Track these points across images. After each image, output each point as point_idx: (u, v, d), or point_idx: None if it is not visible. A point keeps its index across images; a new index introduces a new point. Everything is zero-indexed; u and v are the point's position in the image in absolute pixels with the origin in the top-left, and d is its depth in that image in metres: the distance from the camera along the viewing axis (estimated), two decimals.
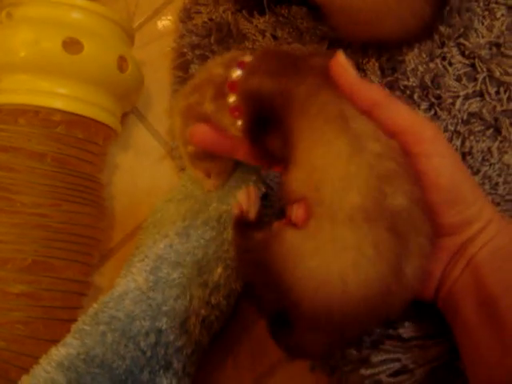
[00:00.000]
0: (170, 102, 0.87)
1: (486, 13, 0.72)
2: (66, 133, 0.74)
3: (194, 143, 0.58)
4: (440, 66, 0.70)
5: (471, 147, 0.67)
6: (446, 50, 0.71)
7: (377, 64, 0.73)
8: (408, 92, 0.70)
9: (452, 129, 0.68)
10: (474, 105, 0.68)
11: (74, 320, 0.62)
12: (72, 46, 0.72)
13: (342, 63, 0.47)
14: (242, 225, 0.56)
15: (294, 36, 0.79)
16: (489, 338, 0.42)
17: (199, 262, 0.64)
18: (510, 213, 0.63)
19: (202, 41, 0.83)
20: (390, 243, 0.43)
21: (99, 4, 0.77)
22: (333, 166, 0.45)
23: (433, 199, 0.46)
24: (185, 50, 0.84)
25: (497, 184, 0.65)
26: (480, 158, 0.66)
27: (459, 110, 0.69)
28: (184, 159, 0.65)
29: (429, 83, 0.70)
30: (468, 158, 0.67)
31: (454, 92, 0.69)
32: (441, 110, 0.69)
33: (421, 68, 0.70)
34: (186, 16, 0.88)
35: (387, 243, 0.43)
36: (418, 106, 0.70)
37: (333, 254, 0.44)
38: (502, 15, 0.71)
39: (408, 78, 0.71)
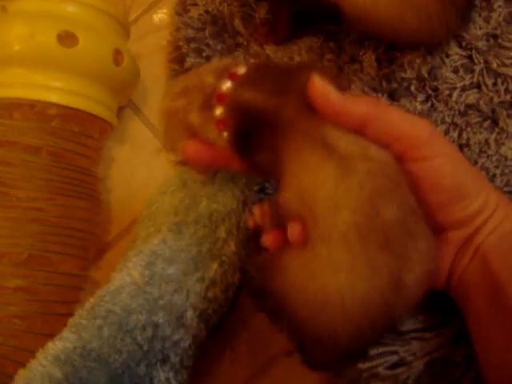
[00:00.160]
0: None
1: (484, 4, 0.72)
2: (62, 126, 0.73)
3: (186, 159, 0.57)
4: (437, 57, 0.70)
5: (468, 139, 0.67)
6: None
7: (373, 56, 0.72)
8: (405, 84, 0.70)
9: (449, 120, 0.68)
10: (471, 96, 0.68)
11: (71, 314, 0.62)
12: (67, 39, 0.72)
13: (320, 91, 0.45)
14: (257, 240, 0.55)
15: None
16: (498, 324, 0.42)
17: (194, 258, 0.64)
18: None
19: (198, 34, 0.83)
20: (384, 259, 0.43)
21: None
22: (322, 189, 0.44)
23: (437, 199, 0.46)
24: (180, 44, 0.84)
25: (494, 176, 0.64)
26: (477, 150, 0.66)
27: (456, 102, 0.68)
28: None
29: (426, 75, 0.70)
30: (465, 149, 0.66)
31: (451, 84, 0.69)
32: (438, 101, 0.69)
33: (418, 60, 0.70)
34: (182, 9, 0.87)
35: (382, 260, 0.43)
36: (415, 97, 0.70)
37: (330, 277, 0.44)
38: (499, 6, 0.71)
39: (405, 70, 0.70)
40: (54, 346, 0.58)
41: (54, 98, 0.72)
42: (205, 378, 0.70)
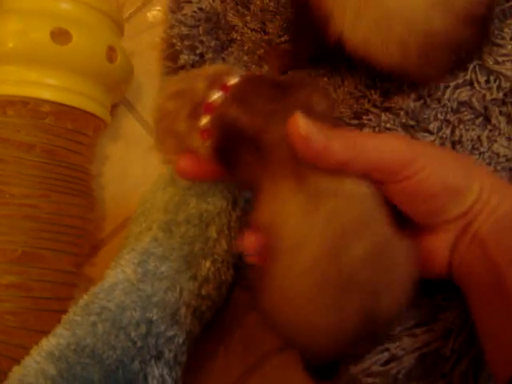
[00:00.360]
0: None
1: None
2: (55, 123, 0.73)
3: (178, 174, 0.57)
4: None
5: (461, 136, 0.67)
6: None
7: None
8: (398, 81, 0.70)
9: (442, 117, 0.68)
10: (464, 94, 0.68)
11: (65, 311, 0.62)
12: (60, 36, 0.72)
13: (302, 134, 0.43)
14: None
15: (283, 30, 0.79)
16: (499, 307, 0.42)
17: (186, 256, 0.64)
18: None
19: (191, 31, 0.83)
20: (349, 297, 0.44)
21: None
22: (288, 223, 0.45)
23: (432, 207, 0.46)
24: (174, 41, 0.84)
25: None
26: (470, 147, 0.66)
27: (449, 99, 0.69)
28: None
29: None
30: (458, 146, 0.67)
31: (444, 82, 0.69)
32: (431, 100, 0.69)
33: None
34: (176, 6, 0.87)
35: (346, 298, 0.44)
36: (408, 95, 0.70)
37: (298, 306, 0.45)
38: None
39: None
40: (48, 343, 0.58)
41: (47, 95, 0.72)
42: (199, 374, 0.71)
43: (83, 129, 0.77)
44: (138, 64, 0.87)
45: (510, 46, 0.69)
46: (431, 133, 0.67)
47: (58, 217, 0.72)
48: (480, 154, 0.66)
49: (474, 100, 0.68)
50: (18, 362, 0.57)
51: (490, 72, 0.69)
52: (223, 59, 0.81)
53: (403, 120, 0.68)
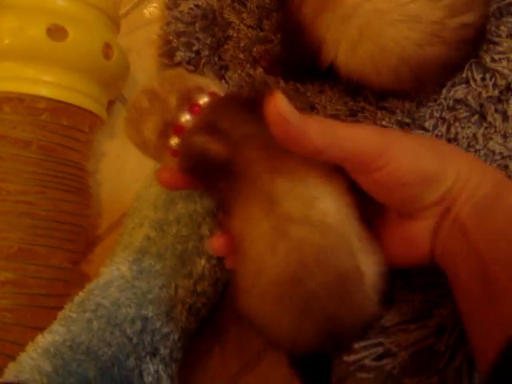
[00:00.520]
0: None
1: None
2: (51, 120, 0.73)
3: (161, 185, 0.56)
4: None
5: (456, 133, 0.67)
6: None
7: None
8: None
9: (437, 115, 0.68)
10: (460, 91, 0.68)
11: (61, 307, 0.63)
12: (57, 33, 0.72)
13: (280, 111, 0.40)
14: None
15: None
16: (482, 293, 0.42)
17: (181, 255, 0.65)
18: None
19: (188, 28, 0.83)
20: (307, 323, 0.44)
21: None
22: (252, 248, 0.45)
23: (406, 194, 0.45)
24: (170, 38, 0.84)
25: None
26: (465, 145, 0.66)
27: (445, 98, 0.69)
28: None
29: None
30: (453, 144, 0.67)
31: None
32: (427, 98, 0.69)
33: None
34: (172, 3, 0.87)
35: (305, 323, 0.44)
36: (404, 94, 0.70)
37: (265, 316, 0.46)
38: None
39: None
40: (44, 339, 0.58)
41: (43, 91, 0.72)
42: (195, 371, 0.71)
43: (79, 125, 0.77)
44: (135, 61, 0.87)
45: (506, 44, 0.69)
46: (427, 130, 0.67)
47: (54, 213, 0.73)
48: (476, 151, 0.66)
49: (469, 98, 0.68)
50: (13, 358, 0.58)
51: (485, 70, 0.68)
52: (219, 56, 0.81)
53: (399, 117, 0.68)
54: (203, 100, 0.49)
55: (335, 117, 0.71)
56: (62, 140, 0.75)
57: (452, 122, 0.67)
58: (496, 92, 0.68)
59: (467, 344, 0.50)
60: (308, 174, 0.45)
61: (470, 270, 0.43)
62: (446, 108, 0.68)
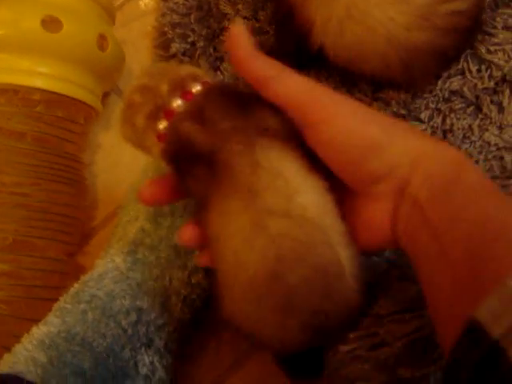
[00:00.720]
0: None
1: None
2: (46, 112, 0.73)
3: (143, 203, 0.54)
4: None
5: (452, 125, 0.67)
6: None
7: None
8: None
9: (433, 106, 0.68)
10: (456, 83, 0.68)
11: (56, 299, 0.62)
12: (51, 24, 0.72)
13: (237, 34, 0.46)
14: None
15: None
16: (443, 277, 0.41)
17: (175, 246, 0.65)
18: None
19: (183, 19, 0.83)
20: (290, 320, 0.44)
21: None
22: (230, 243, 0.44)
23: (349, 157, 0.45)
24: (166, 29, 0.84)
25: (477, 161, 0.65)
26: (461, 136, 0.67)
27: (440, 89, 0.69)
28: None
29: None
30: (449, 135, 0.67)
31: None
32: (422, 89, 0.69)
33: None
34: None
35: (287, 321, 0.44)
36: (399, 85, 0.70)
37: (246, 314, 0.46)
38: None
39: None
40: (39, 331, 0.58)
41: (38, 83, 0.72)
42: (190, 362, 0.71)
43: (74, 117, 0.77)
44: (130, 52, 0.87)
45: (501, 36, 0.69)
46: (422, 122, 0.68)
47: (49, 205, 0.72)
48: (471, 142, 0.66)
49: (465, 89, 0.68)
50: (8, 349, 0.58)
51: (481, 61, 0.69)
52: (214, 48, 0.81)
53: (394, 109, 0.68)
54: (196, 88, 0.49)
55: None
56: (57, 131, 0.74)
57: (447, 113, 0.67)
58: (491, 83, 0.68)
59: None
60: (289, 168, 0.45)
61: (430, 255, 0.42)
62: (441, 99, 0.68)
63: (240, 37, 0.46)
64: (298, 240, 0.43)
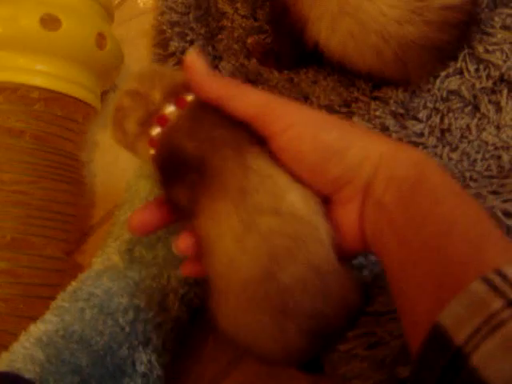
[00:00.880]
0: None
1: None
2: (45, 110, 0.73)
3: (133, 233, 0.54)
4: None
5: (450, 124, 0.67)
6: None
7: None
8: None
9: (431, 106, 0.68)
10: (454, 82, 0.69)
11: (54, 297, 0.62)
12: (50, 22, 0.72)
13: (192, 61, 0.47)
14: None
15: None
16: (409, 279, 0.41)
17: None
18: (488, 189, 0.63)
19: (182, 18, 0.83)
20: (285, 320, 0.44)
21: None
22: (221, 244, 0.44)
23: (309, 165, 0.45)
24: (164, 28, 0.84)
25: (475, 161, 0.65)
26: (459, 135, 0.67)
27: (439, 89, 0.69)
28: None
29: None
30: (447, 134, 0.67)
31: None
32: (420, 89, 0.69)
33: None
34: None
35: (282, 321, 0.44)
36: (397, 85, 0.70)
37: (242, 320, 0.46)
38: None
39: None
40: (37, 329, 0.58)
41: (37, 81, 0.72)
42: (188, 361, 0.71)
43: (73, 115, 0.77)
44: (129, 51, 0.87)
45: (499, 35, 0.69)
46: (420, 121, 0.68)
47: (47, 203, 0.73)
48: (469, 142, 0.66)
49: (463, 89, 0.68)
50: (6, 347, 0.58)
51: (479, 61, 0.69)
52: (213, 46, 0.81)
53: (392, 108, 0.68)
54: (190, 97, 0.49)
55: (329, 107, 0.71)
56: (55, 130, 0.75)
57: (445, 112, 0.68)
58: (489, 83, 0.68)
59: None
60: (278, 173, 0.45)
61: (398, 259, 0.41)
62: (439, 99, 0.68)
63: (195, 63, 0.47)
64: (289, 237, 0.43)
